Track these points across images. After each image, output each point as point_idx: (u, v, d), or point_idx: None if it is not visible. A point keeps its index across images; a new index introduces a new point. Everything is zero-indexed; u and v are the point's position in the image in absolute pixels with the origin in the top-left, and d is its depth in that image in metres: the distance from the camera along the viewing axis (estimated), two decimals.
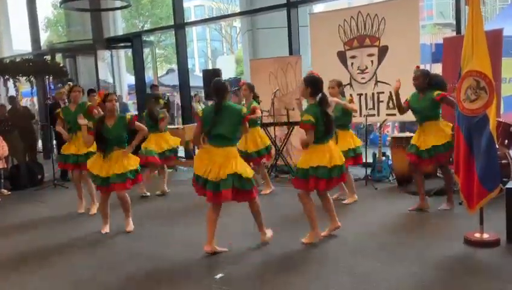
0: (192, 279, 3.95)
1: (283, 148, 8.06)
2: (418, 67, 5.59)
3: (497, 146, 4.27)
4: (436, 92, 5.19)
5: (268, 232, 4.61)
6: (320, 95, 4.44)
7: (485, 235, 4.30)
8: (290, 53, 8.91)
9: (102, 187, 5.17)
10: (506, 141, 5.98)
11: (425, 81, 5.28)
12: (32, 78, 10.39)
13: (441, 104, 5.27)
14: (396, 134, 9.81)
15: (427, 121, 5.29)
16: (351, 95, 5.85)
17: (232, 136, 4.37)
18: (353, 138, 5.97)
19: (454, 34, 8.03)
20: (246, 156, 5.96)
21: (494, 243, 4.24)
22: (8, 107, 9.77)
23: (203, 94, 11.27)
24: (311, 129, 4.35)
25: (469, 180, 4.25)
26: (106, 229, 5.29)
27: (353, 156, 5.84)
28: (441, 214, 5.33)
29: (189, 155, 9.17)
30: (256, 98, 6.78)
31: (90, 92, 9.36)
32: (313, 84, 4.44)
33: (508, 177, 5.69)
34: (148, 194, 7.05)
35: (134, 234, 5.18)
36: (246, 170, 4.31)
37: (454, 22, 7.62)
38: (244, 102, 6.66)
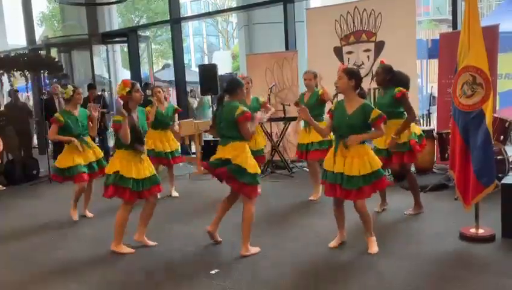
0: (187, 274, 3.95)
1: (279, 143, 8.05)
2: (382, 62, 5.08)
3: (493, 142, 4.27)
4: (397, 89, 4.82)
5: (252, 249, 4.29)
6: (359, 89, 4.17)
7: (481, 231, 4.32)
8: (287, 48, 8.90)
9: (134, 193, 4.39)
10: (502, 137, 6.00)
11: (386, 78, 4.93)
12: (27, 73, 10.32)
13: (403, 102, 4.83)
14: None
15: (388, 119, 4.36)
16: (323, 87, 5.80)
17: (233, 135, 4.22)
18: None
19: (450, 29, 8.03)
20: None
21: (490, 238, 4.26)
22: (8, 101, 9.73)
23: (199, 89, 11.25)
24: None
25: (465, 175, 4.26)
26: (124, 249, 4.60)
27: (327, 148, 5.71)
28: (437, 209, 5.34)
29: (185, 151, 9.15)
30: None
31: (90, 87, 9.33)
32: (357, 76, 4.10)
33: (503, 173, 5.72)
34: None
35: (130, 230, 5.16)
36: (248, 163, 4.20)
37: (451, 18, 7.62)
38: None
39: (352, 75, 4.06)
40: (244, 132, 4.15)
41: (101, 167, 5.69)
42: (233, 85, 4.31)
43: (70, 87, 5.63)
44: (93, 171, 5.66)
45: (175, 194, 6.73)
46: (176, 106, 6.85)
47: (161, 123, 6.39)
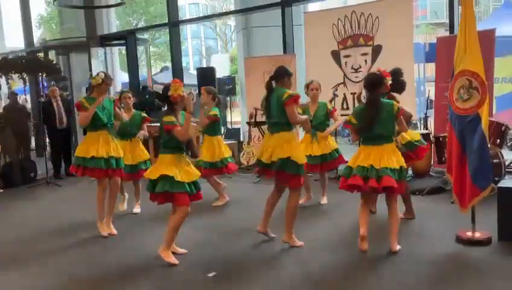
0: (185, 277, 3.96)
1: None
2: (379, 70, 4.69)
3: (489, 145, 4.29)
4: (396, 107, 4.58)
5: (297, 242, 4.44)
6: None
7: (477, 234, 4.34)
8: (284, 52, 8.91)
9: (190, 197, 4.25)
10: (499, 141, 6.02)
11: None
12: (25, 76, 10.31)
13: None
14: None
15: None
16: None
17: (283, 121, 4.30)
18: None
19: (447, 33, 8.06)
20: (197, 165, 5.46)
21: (486, 241, 4.28)
22: (6, 103, 9.72)
23: (196, 92, 11.25)
24: None
25: (461, 179, 4.28)
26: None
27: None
28: (434, 212, 5.36)
29: None
30: (218, 104, 6.25)
31: (89, 90, 9.32)
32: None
33: (499, 177, 5.74)
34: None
35: (126, 233, 5.17)
36: (296, 153, 4.29)
37: (448, 22, 7.65)
38: (206, 108, 6.16)
39: None
40: (291, 115, 4.22)
41: (118, 167, 5.26)
42: (281, 72, 4.41)
43: (101, 74, 5.12)
44: (112, 168, 5.15)
45: (136, 210, 6.04)
46: (144, 114, 6.14)
47: (125, 132, 5.85)
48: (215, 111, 6.08)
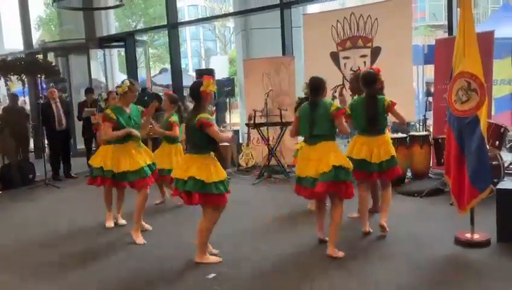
0: (184, 278, 3.95)
1: (276, 148, 8.07)
2: (378, 70, 4.85)
3: (488, 147, 4.30)
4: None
5: (339, 253, 4.23)
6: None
7: (476, 236, 4.34)
8: (283, 53, 8.93)
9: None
10: (497, 142, 6.02)
11: (357, 86, 4.97)
12: (24, 77, 10.30)
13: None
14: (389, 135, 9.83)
15: None
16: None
17: (329, 132, 4.28)
18: None
19: (446, 35, 8.08)
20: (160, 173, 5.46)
21: (485, 243, 4.28)
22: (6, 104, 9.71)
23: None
24: None
25: (460, 180, 4.28)
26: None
27: None
28: (433, 214, 5.37)
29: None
30: (180, 111, 6.11)
31: (88, 91, 9.32)
32: None
33: (498, 178, 5.74)
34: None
35: (127, 234, 5.16)
36: (345, 159, 4.27)
37: (447, 24, 7.67)
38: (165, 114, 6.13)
39: None
40: (341, 126, 4.28)
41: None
42: (321, 85, 4.36)
43: (126, 81, 4.86)
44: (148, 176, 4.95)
45: (122, 221, 5.58)
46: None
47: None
48: (174, 118, 5.98)
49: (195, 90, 4.06)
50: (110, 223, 5.50)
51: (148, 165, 4.99)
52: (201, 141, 4.03)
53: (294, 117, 4.55)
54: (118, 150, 4.94)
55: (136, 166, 4.87)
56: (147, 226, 5.23)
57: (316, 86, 4.35)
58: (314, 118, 4.26)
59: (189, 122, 4.08)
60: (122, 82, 4.90)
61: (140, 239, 4.84)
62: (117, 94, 4.86)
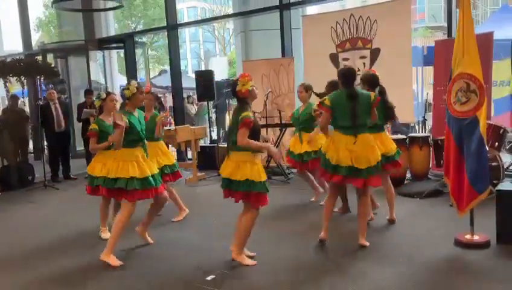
0: (183, 280, 3.95)
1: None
2: (373, 71, 5.10)
3: (487, 148, 4.29)
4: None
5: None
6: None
7: (475, 237, 4.33)
8: (283, 55, 8.92)
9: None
10: (497, 144, 6.03)
11: (330, 91, 4.91)
12: (23, 79, 10.30)
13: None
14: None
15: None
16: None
17: (368, 123, 4.41)
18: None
19: (445, 37, 8.09)
20: None
21: (484, 244, 4.28)
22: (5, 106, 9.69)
23: (195, 95, 11.25)
24: None
25: (459, 182, 4.28)
26: None
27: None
28: (432, 215, 5.36)
29: (181, 157, 9.14)
30: (159, 106, 5.96)
31: (87, 92, 9.32)
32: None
33: (498, 180, 5.74)
34: None
35: (126, 235, 5.15)
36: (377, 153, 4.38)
37: (446, 25, 7.67)
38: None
39: None
40: (375, 115, 4.42)
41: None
42: (351, 73, 4.40)
43: (134, 82, 4.48)
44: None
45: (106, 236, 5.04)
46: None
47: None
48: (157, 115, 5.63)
49: (233, 90, 4.10)
50: (105, 235, 5.07)
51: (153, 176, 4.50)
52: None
53: (324, 109, 4.41)
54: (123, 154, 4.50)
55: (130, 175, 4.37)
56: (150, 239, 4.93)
57: (349, 75, 4.38)
58: (355, 108, 4.28)
59: (233, 120, 4.07)
60: (129, 83, 4.50)
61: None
62: (123, 97, 4.46)
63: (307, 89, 6.02)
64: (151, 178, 4.37)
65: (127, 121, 4.28)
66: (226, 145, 8.46)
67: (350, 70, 4.45)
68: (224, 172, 4.07)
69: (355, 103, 4.28)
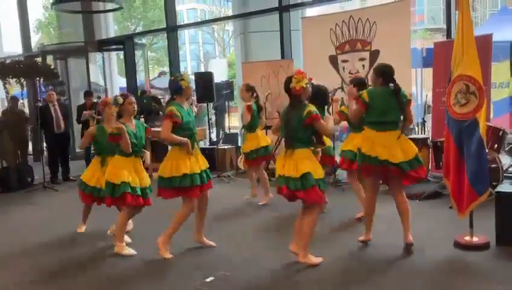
0: (183, 281, 3.94)
1: (275, 151, 8.05)
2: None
3: (487, 150, 4.30)
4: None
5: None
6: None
7: (475, 239, 4.34)
8: (282, 57, 8.93)
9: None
10: (496, 145, 6.03)
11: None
12: (22, 80, 10.30)
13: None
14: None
15: None
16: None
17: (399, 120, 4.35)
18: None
19: (445, 38, 8.09)
20: None
21: (484, 246, 4.28)
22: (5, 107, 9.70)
23: (195, 97, 11.25)
24: None
25: (459, 183, 4.28)
26: None
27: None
28: (431, 217, 5.36)
29: None
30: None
31: (87, 94, 9.32)
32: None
33: (497, 181, 5.74)
34: None
35: (126, 236, 5.15)
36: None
37: (445, 27, 7.68)
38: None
39: None
40: (410, 114, 4.40)
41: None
42: (392, 69, 4.37)
43: (119, 98, 4.61)
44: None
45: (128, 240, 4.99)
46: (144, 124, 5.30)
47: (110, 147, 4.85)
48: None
49: (284, 86, 4.08)
50: (81, 229, 5.50)
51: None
52: (306, 135, 4.01)
53: (360, 103, 4.33)
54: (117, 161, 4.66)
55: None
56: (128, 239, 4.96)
57: (391, 71, 4.35)
58: (392, 105, 4.26)
59: (291, 118, 4.03)
60: (180, 74, 4.54)
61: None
62: (178, 88, 4.40)
63: (248, 88, 6.24)
64: (204, 175, 4.46)
65: (179, 114, 4.27)
66: (229, 146, 8.47)
67: (389, 65, 4.42)
68: (285, 171, 3.98)
69: (396, 98, 4.28)
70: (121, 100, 4.60)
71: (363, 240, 4.55)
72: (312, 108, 4.01)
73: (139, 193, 4.57)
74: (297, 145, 3.98)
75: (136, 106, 4.76)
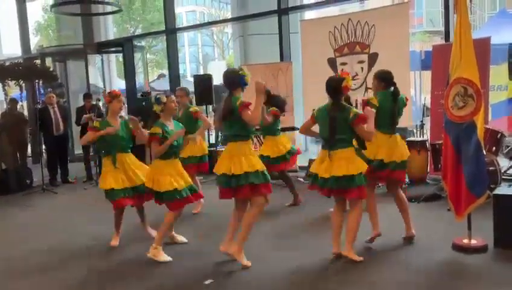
0: (181, 284, 3.95)
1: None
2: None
3: (485, 153, 4.31)
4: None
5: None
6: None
7: (473, 241, 4.34)
8: (281, 59, 8.95)
9: None
10: (494, 148, 6.04)
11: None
12: (21, 82, 10.31)
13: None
14: None
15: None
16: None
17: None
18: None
19: (443, 41, 8.11)
20: None
21: (482, 248, 4.28)
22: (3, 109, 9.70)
23: (194, 99, 11.26)
24: None
25: (457, 186, 4.29)
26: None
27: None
28: (430, 219, 5.37)
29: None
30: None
31: (86, 96, 9.33)
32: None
33: (495, 184, 5.75)
34: None
35: (126, 239, 5.15)
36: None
37: (444, 30, 7.70)
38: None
39: None
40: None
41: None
42: (391, 76, 4.60)
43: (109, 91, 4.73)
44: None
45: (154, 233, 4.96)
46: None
47: (119, 145, 4.94)
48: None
49: (333, 87, 4.17)
50: (116, 241, 5.06)
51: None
52: (349, 135, 4.12)
53: (369, 110, 4.29)
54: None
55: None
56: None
57: (391, 76, 4.58)
58: (395, 110, 4.49)
59: (339, 118, 4.10)
60: (158, 97, 4.51)
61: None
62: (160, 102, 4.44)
63: (187, 93, 6.29)
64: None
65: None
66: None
67: (387, 71, 4.63)
68: (332, 171, 4.07)
69: (397, 103, 4.51)
70: (164, 99, 4.44)
71: (372, 237, 4.61)
72: (356, 109, 4.21)
73: (186, 193, 4.44)
74: (342, 145, 4.09)
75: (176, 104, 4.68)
